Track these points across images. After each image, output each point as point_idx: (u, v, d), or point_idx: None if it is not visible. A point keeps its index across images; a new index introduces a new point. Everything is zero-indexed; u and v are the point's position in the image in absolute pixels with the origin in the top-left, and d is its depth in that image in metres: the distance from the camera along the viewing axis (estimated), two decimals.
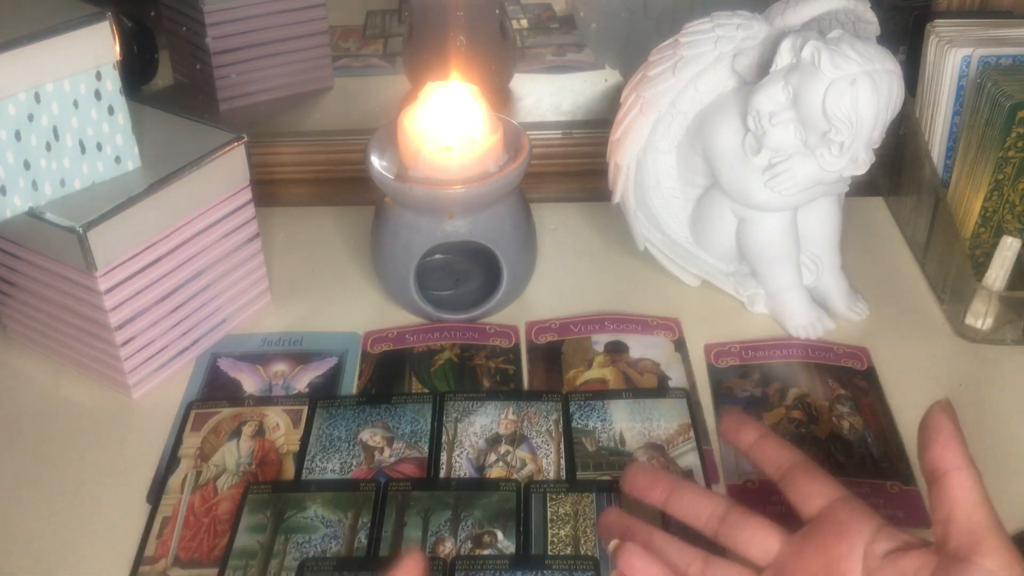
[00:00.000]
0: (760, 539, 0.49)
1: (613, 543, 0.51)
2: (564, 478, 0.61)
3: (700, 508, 0.51)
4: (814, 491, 0.49)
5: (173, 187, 0.65)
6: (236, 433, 0.65)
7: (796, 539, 0.48)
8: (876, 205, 0.87)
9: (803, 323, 0.72)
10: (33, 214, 0.62)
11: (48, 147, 0.62)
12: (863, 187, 0.82)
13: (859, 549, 0.45)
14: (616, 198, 0.75)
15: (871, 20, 0.69)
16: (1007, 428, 0.65)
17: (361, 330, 0.74)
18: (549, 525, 0.58)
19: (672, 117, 0.72)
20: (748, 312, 0.75)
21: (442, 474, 0.62)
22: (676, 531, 0.52)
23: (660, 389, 0.68)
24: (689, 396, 0.67)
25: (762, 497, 0.60)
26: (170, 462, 0.63)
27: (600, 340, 0.72)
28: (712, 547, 0.51)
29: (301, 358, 0.71)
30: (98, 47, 0.61)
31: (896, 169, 0.84)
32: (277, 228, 0.84)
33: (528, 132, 0.73)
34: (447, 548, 0.57)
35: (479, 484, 0.61)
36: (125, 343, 0.66)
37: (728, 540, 0.50)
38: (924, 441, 0.45)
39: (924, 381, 0.69)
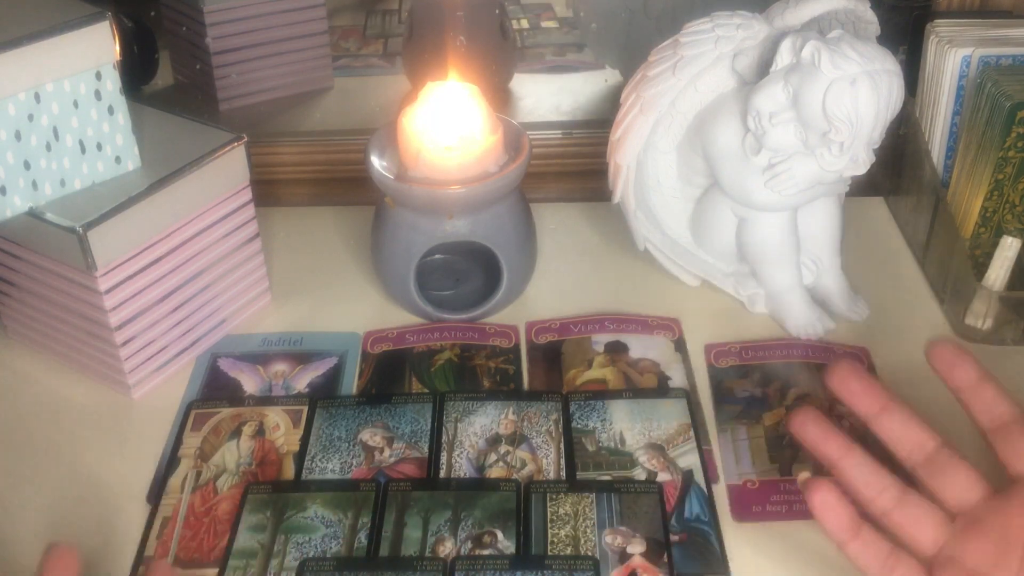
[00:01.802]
0: (963, 486, 0.46)
1: (803, 476, 0.48)
2: (564, 478, 0.61)
3: (909, 435, 0.48)
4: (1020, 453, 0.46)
5: (173, 187, 0.65)
6: (236, 433, 0.65)
7: (1000, 497, 0.46)
8: (876, 205, 0.87)
9: (803, 323, 0.72)
10: (33, 214, 0.62)
11: (48, 147, 0.62)
12: (863, 187, 0.82)
13: None
14: (616, 198, 0.75)
15: (871, 20, 0.69)
16: None
17: (361, 330, 0.74)
18: (549, 525, 0.58)
19: (672, 117, 0.72)
20: (748, 312, 0.75)
21: (442, 474, 0.62)
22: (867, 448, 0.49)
23: (660, 389, 0.68)
24: (689, 396, 0.67)
25: (763, 497, 0.60)
26: (170, 462, 0.63)
27: (600, 340, 0.72)
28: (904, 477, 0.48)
29: (301, 358, 0.71)
30: (98, 47, 0.61)
31: (896, 169, 0.84)
32: (277, 228, 0.84)
33: (528, 132, 0.73)
34: (447, 548, 0.57)
35: (479, 484, 0.61)
36: (125, 343, 0.66)
37: (928, 478, 0.47)
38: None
39: (924, 381, 0.69)
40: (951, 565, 0.46)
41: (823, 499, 0.47)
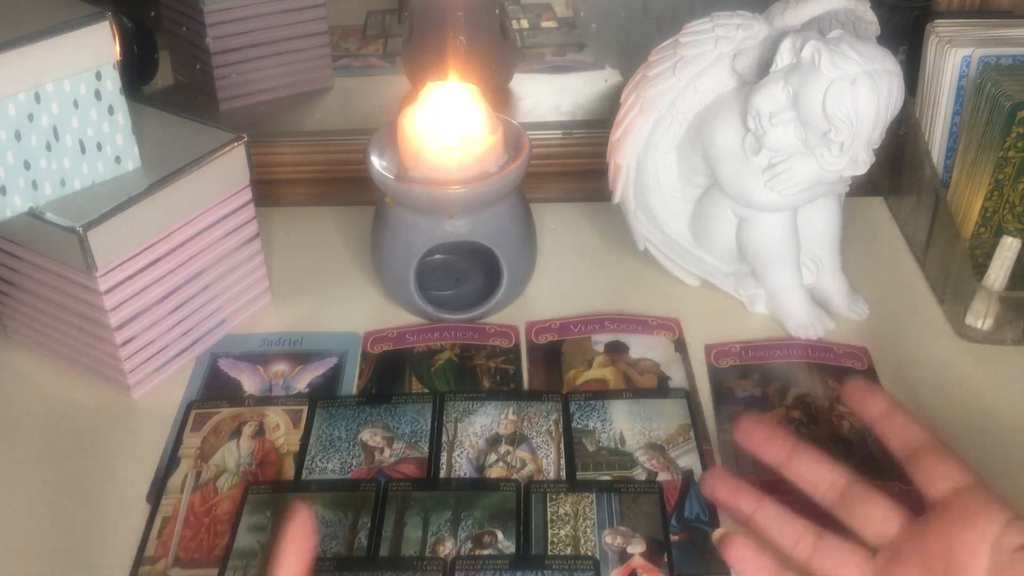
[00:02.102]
0: (880, 518, 0.46)
1: (718, 532, 0.48)
2: (564, 478, 0.61)
3: (821, 476, 0.48)
4: (943, 474, 0.46)
5: (173, 187, 0.65)
6: (236, 433, 0.65)
7: (918, 523, 0.46)
8: (876, 205, 0.87)
9: (803, 323, 0.72)
10: (33, 214, 0.62)
11: (48, 147, 0.62)
12: (863, 187, 0.82)
13: (987, 540, 0.43)
14: (616, 198, 0.75)
15: (871, 20, 0.69)
16: (1007, 428, 0.65)
17: (361, 330, 0.74)
18: (549, 525, 0.58)
19: (672, 117, 0.72)
20: (748, 312, 0.75)
21: (442, 474, 0.62)
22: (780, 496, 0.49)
23: (660, 389, 0.68)
24: (689, 396, 0.67)
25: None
26: (170, 462, 0.63)
27: (600, 340, 0.72)
28: (821, 518, 0.48)
29: (301, 358, 0.71)
30: (98, 47, 0.61)
31: (896, 169, 0.84)
32: (277, 228, 0.84)
33: (528, 132, 0.73)
34: (447, 548, 0.57)
35: (479, 484, 0.61)
36: (125, 343, 0.66)
37: (845, 515, 0.47)
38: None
39: (924, 381, 0.69)
40: None
41: (739, 555, 0.47)
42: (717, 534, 0.48)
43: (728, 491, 0.50)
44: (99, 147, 0.64)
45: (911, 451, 0.48)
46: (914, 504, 0.47)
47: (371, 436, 0.64)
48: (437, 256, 0.78)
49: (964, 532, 0.43)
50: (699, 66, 0.68)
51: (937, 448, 0.47)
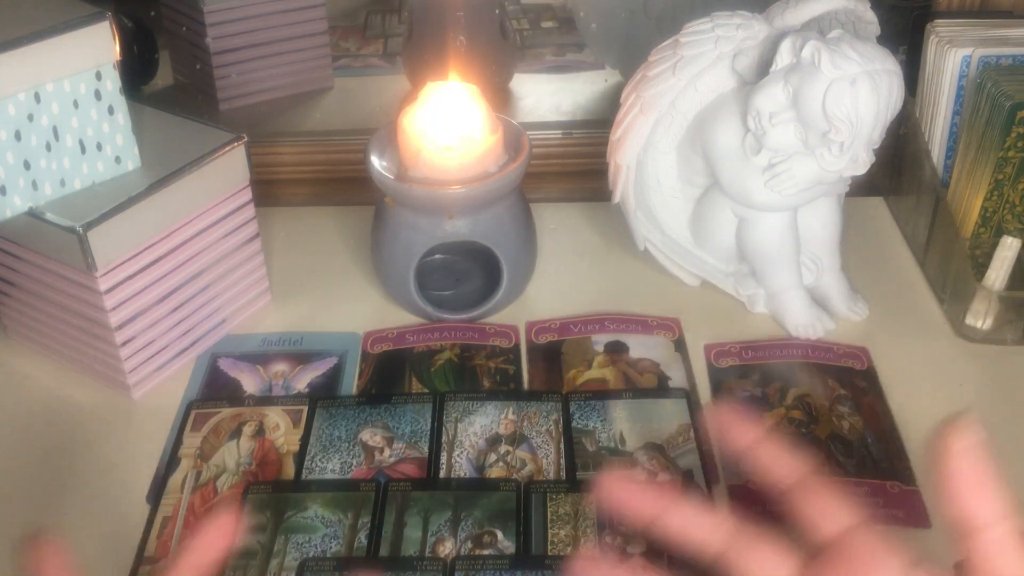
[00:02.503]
0: (772, 568, 0.42)
1: None
2: (564, 478, 0.61)
3: (701, 526, 0.43)
4: (825, 515, 0.42)
5: (173, 187, 0.65)
6: (236, 433, 0.65)
7: (813, 570, 0.41)
8: (876, 205, 0.87)
9: (803, 323, 0.72)
10: (33, 214, 0.62)
11: (48, 147, 0.62)
12: (863, 187, 0.82)
13: None
14: (616, 198, 0.75)
15: (871, 20, 0.69)
16: (1007, 428, 0.65)
17: (361, 330, 0.74)
18: (549, 525, 0.58)
19: (672, 117, 0.72)
20: (748, 312, 0.75)
21: (442, 474, 0.62)
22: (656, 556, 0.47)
23: (660, 389, 0.68)
24: (689, 396, 0.67)
25: (765, 498, 0.60)
26: (170, 462, 0.63)
27: (600, 340, 0.72)
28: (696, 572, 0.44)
29: (301, 358, 0.71)
30: (98, 47, 0.61)
31: (896, 169, 0.84)
32: (277, 228, 0.84)
33: (528, 132, 0.73)
34: (447, 548, 0.57)
35: (479, 484, 0.61)
36: (125, 343, 0.66)
37: (732, 565, 0.43)
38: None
39: (924, 381, 0.69)
40: None
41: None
42: None
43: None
44: (99, 147, 0.64)
45: (785, 489, 0.43)
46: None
47: (371, 436, 0.64)
48: (437, 256, 0.78)
49: None
50: (699, 66, 0.68)
51: (815, 487, 0.43)
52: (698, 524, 0.43)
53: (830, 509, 0.42)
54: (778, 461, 0.44)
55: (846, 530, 0.41)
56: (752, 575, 0.42)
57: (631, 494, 0.44)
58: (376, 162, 0.71)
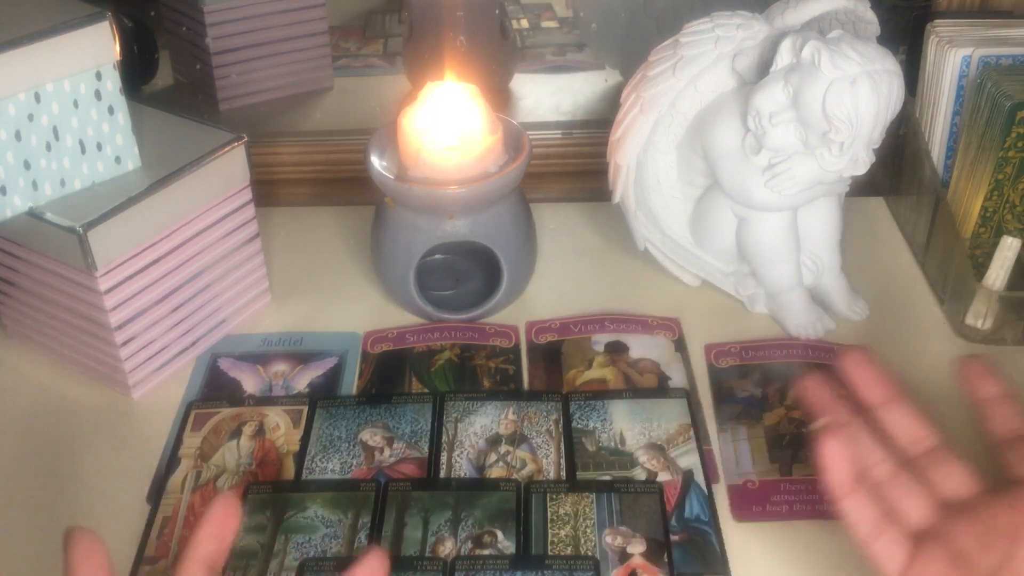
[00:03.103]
0: (957, 480, 0.47)
1: (821, 421, 0.49)
2: (564, 478, 0.61)
3: (912, 429, 0.49)
4: None
5: (173, 187, 0.65)
6: (236, 433, 0.65)
7: (993, 494, 0.47)
8: (876, 205, 0.87)
9: (803, 323, 0.72)
10: (33, 214, 0.62)
11: (48, 147, 0.62)
12: (863, 187, 0.82)
13: None
14: (616, 198, 0.75)
15: (871, 20, 0.69)
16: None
17: (361, 330, 0.74)
18: (549, 525, 0.58)
19: (672, 117, 0.72)
20: (748, 312, 0.75)
21: (442, 474, 0.62)
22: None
23: (660, 389, 0.68)
24: (689, 396, 0.67)
25: (763, 497, 0.60)
26: (170, 462, 0.63)
27: (600, 340, 0.72)
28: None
29: (301, 358, 0.71)
30: (98, 47, 0.61)
31: (896, 169, 0.84)
32: (277, 228, 0.84)
33: (528, 132, 0.73)
34: (447, 548, 0.57)
35: (479, 484, 0.61)
36: (125, 343, 0.66)
37: (925, 468, 0.48)
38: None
39: (924, 381, 0.69)
40: (937, 542, 0.46)
41: (834, 447, 0.47)
42: (820, 422, 0.49)
43: (826, 396, 0.51)
44: (99, 147, 0.64)
45: (1012, 437, 0.49)
46: None
47: (371, 436, 0.64)
48: (437, 256, 0.78)
49: None
50: (699, 66, 0.68)
51: None
52: (913, 425, 0.49)
53: (958, 476, 0.47)
54: (908, 422, 0.50)
55: None
56: (941, 480, 0.48)
57: (875, 376, 0.50)
58: (376, 162, 0.71)
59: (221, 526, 0.45)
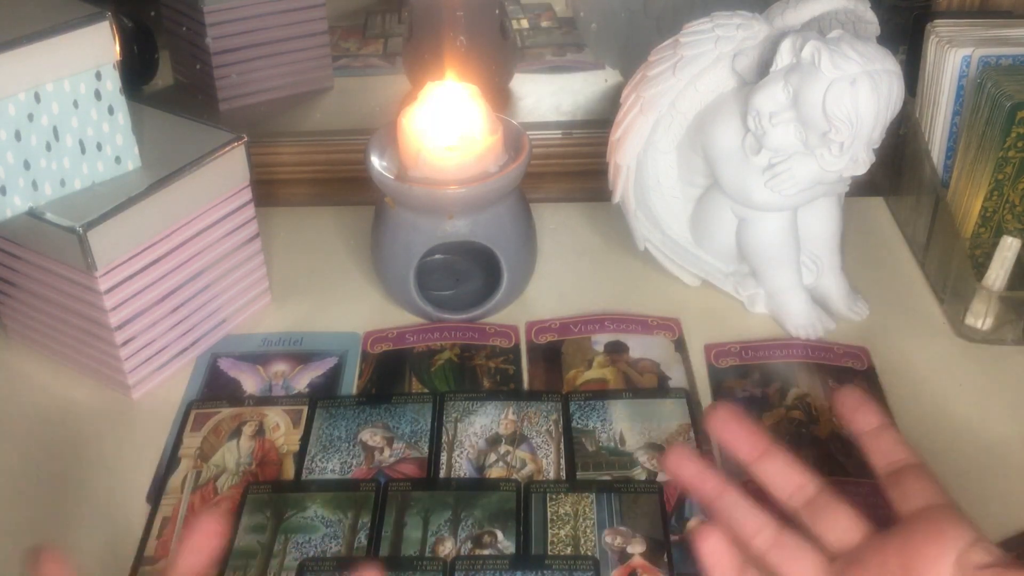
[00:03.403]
0: (844, 527, 0.46)
1: (694, 522, 0.48)
2: (564, 478, 0.61)
3: (789, 480, 0.48)
4: (918, 492, 0.45)
5: (173, 187, 0.65)
6: (236, 433, 0.65)
7: (882, 535, 0.45)
8: (876, 205, 0.87)
9: (803, 323, 0.72)
10: (33, 214, 0.62)
11: (48, 147, 0.62)
12: (863, 187, 0.82)
13: (950, 556, 0.42)
14: (616, 198, 0.75)
15: (871, 20, 0.69)
16: (1007, 428, 0.65)
17: (361, 330, 0.74)
18: (549, 525, 0.58)
19: (672, 117, 0.72)
20: (748, 312, 0.75)
21: (442, 474, 0.62)
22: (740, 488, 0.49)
23: (660, 389, 0.68)
24: (689, 396, 0.67)
25: (761, 498, 0.60)
26: (170, 462, 0.63)
27: (600, 340, 0.72)
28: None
29: (301, 358, 0.71)
30: (98, 47, 0.61)
31: (896, 169, 0.84)
32: (277, 228, 0.84)
33: (528, 132, 0.73)
34: (447, 548, 0.57)
35: (479, 484, 0.61)
36: (125, 343, 0.66)
37: (809, 519, 0.47)
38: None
39: (924, 381, 0.69)
40: None
41: (712, 546, 0.46)
42: (693, 523, 0.48)
43: (693, 471, 0.49)
44: (99, 147, 0.64)
45: (894, 470, 0.47)
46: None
47: (371, 436, 0.64)
48: (437, 256, 0.78)
49: (928, 545, 0.43)
50: (699, 66, 0.68)
51: (920, 470, 0.47)
52: (791, 475, 0.48)
53: (923, 488, 0.46)
54: (784, 473, 0.48)
55: (929, 505, 0.45)
56: (826, 529, 0.46)
57: (742, 431, 0.49)
58: (376, 162, 0.71)
59: (206, 541, 0.45)
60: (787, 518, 0.48)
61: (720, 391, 0.68)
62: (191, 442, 0.64)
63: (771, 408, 0.66)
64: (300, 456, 0.63)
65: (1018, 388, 0.68)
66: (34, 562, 0.43)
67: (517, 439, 0.64)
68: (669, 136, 0.74)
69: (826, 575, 0.46)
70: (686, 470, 0.49)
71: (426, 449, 0.63)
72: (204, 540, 0.45)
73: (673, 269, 0.78)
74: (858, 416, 0.49)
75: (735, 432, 0.49)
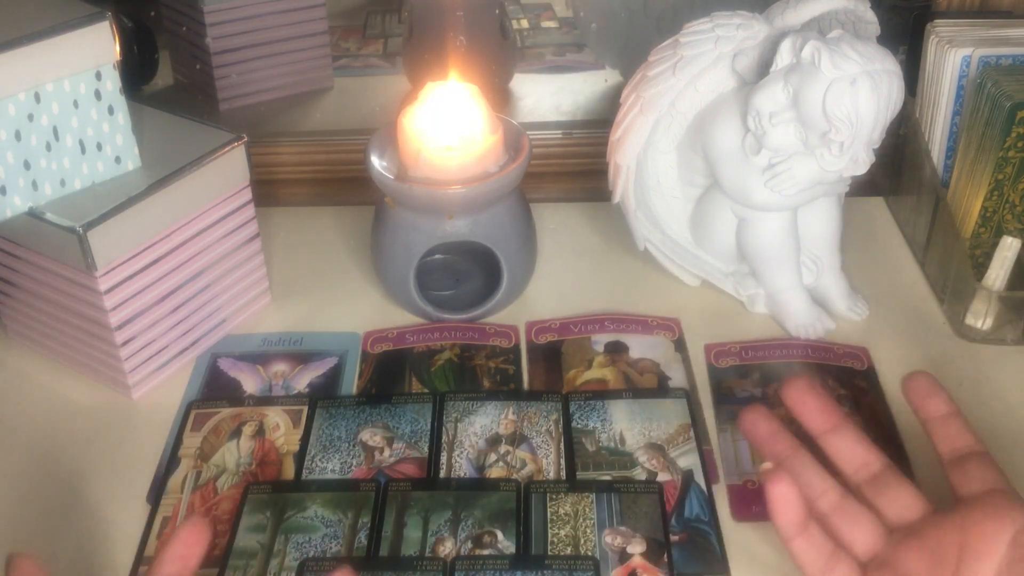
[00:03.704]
0: (904, 504, 0.48)
1: (766, 466, 0.49)
2: (564, 478, 0.61)
3: (856, 455, 0.50)
4: (981, 477, 0.47)
5: (173, 187, 0.65)
6: (236, 433, 0.65)
7: (941, 513, 0.47)
8: (876, 205, 0.87)
9: (803, 323, 0.72)
10: (33, 214, 0.62)
11: (48, 147, 0.62)
12: (863, 187, 0.82)
13: (1007, 534, 0.44)
14: (616, 198, 0.75)
15: (871, 20, 0.69)
16: (1007, 428, 0.65)
17: (361, 330, 0.74)
18: (549, 525, 0.58)
19: (672, 117, 0.72)
20: (748, 312, 0.75)
21: (442, 474, 0.62)
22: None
23: (660, 389, 0.68)
24: (689, 396, 0.67)
25: (763, 497, 0.60)
26: (170, 462, 0.63)
27: (600, 340, 0.72)
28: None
29: (301, 358, 0.71)
30: (98, 47, 0.61)
31: (896, 169, 0.84)
32: (277, 228, 0.84)
33: (528, 132, 0.73)
34: (447, 548, 0.57)
35: (479, 484, 0.61)
36: (125, 343, 0.66)
37: (872, 494, 0.49)
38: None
39: None
40: (886, 569, 0.47)
41: (782, 491, 0.47)
42: (765, 466, 0.49)
43: (768, 430, 0.51)
44: (99, 147, 0.64)
45: (959, 455, 0.49)
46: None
47: (371, 436, 0.64)
48: (437, 256, 0.78)
49: (984, 523, 0.44)
50: (699, 66, 0.68)
51: (983, 457, 0.49)
52: (858, 450, 0.50)
53: (985, 473, 0.48)
54: (852, 448, 0.50)
55: (990, 488, 0.47)
56: (887, 504, 0.48)
57: (818, 404, 0.50)
58: (376, 162, 0.71)
59: (187, 548, 0.45)
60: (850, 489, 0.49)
61: (720, 391, 0.68)
62: (191, 442, 0.64)
63: (771, 408, 0.66)
64: (300, 456, 0.63)
65: (1018, 388, 0.68)
66: (10, 569, 0.44)
67: (517, 439, 0.64)
68: (669, 136, 0.74)
69: (884, 544, 0.47)
70: (761, 429, 0.51)
71: (426, 449, 0.63)
72: (184, 548, 0.45)
73: (673, 269, 0.78)
74: (928, 403, 0.51)
75: (810, 403, 0.51)
